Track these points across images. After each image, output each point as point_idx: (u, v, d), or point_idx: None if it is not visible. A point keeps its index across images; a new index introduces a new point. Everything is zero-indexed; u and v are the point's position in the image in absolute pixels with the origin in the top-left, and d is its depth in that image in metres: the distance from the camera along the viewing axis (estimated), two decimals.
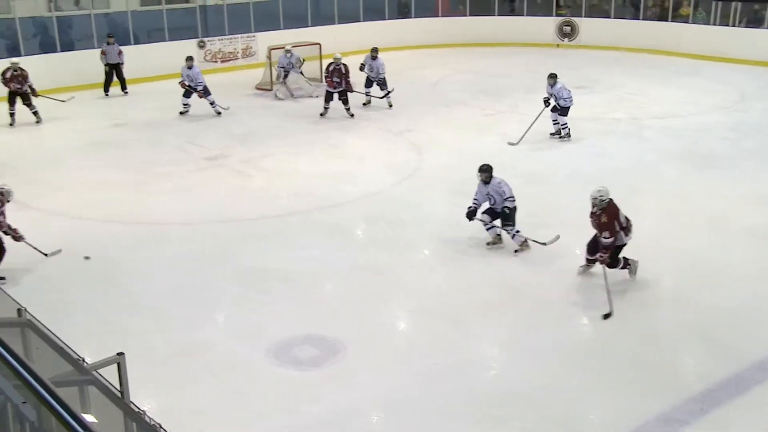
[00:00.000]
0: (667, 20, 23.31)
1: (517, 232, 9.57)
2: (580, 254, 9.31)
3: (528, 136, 14.26)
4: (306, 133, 15.35)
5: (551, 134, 14.46)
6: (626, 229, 8.51)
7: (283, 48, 18.26)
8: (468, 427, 6.44)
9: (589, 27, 24.05)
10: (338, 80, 16.08)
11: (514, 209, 9.56)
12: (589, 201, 8.58)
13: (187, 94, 16.50)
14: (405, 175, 12.68)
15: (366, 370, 7.22)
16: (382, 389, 6.93)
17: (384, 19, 24.51)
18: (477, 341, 7.78)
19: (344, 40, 20.94)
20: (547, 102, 14.21)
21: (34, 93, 15.91)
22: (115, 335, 7.58)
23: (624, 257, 8.66)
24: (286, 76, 18.18)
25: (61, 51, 19.12)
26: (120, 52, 18.40)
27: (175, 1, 21.84)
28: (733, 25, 22.26)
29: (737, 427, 6.48)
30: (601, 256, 8.46)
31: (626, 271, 8.73)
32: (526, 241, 9.60)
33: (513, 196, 9.53)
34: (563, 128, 14.36)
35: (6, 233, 9.11)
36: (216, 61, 21.33)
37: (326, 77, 16.38)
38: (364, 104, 17.20)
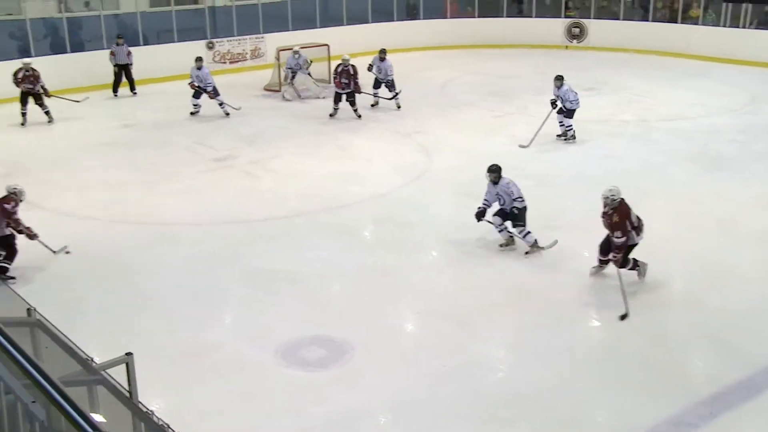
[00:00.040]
0: (676, 22, 23.24)
1: (528, 233, 9.55)
2: (589, 256, 9.30)
3: (536, 138, 14.24)
4: (314, 135, 15.37)
5: (558, 136, 14.44)
6: (638, 228, 8.49)
7: (292, 49, 18.28)
8: (475, 428, 6.43)
9: (597, 28, 24.00)
10: (346, 81, 16.09)
11: (523, 209, 9.55)
12: (597, 203, 8.56)
13: (196, 95, 16.55)
14: (413, 177, 12.67)
15: (373, 371, 7.22)
16: (389, 390, 6.93)
17: (392, 20, 24.52)
18: (484, 343, 7.77)
19: (352, 42, 20.94)
20: (554, 104, 14.19)
21: (47, 93, 16.01)
22: (124, 335, 7.60)
23: (634, 258, 8.64)
24: (293, 77, 18.21)
25: (71, 52, 19.18)
26: (129, 53, 18.46)
27: (184, 2, 21.89)
28: (744, 27, 22.17)
29: (748, 431, 6.46)
30: (614, 256, 8.44)
31: (635, 272, 8.70)
32: (536, 242, 9.59)
33: (522, 197, 9.52)
34: (568, 130, 14.34)
35: (20, 232, 9.19)
36: (225, 62, 21.38)
37: (334, 78, 16.42)
38: (372, 105, 17.20)
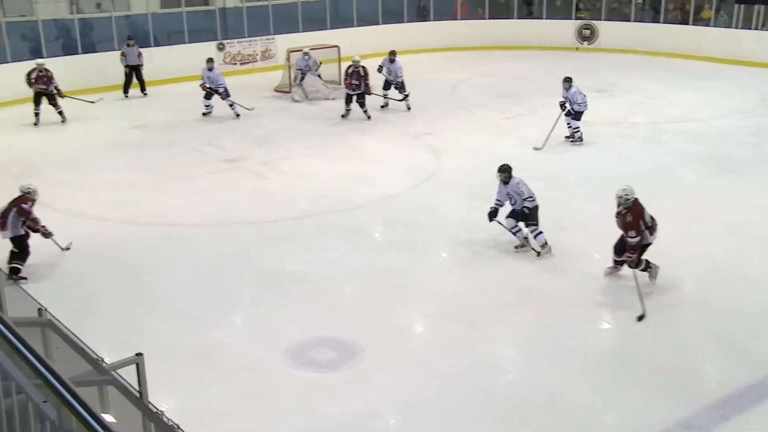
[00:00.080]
0: (688, 23, 23.14)
1: (540, 233, 9.54)
2: (599, 258, 9.29)
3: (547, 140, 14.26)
4: (324, 136, 15.38)
5: (566, 137, 14.42)
6: (651, 228, 8.47)
7: (302, 50, 18.30)
8: (485, 429, 6.42)
9: (608, 30, 23.95)
10: (356, 82, 16.11)
11: (535, 208, 9.54)
12: (608, 205, 8.54)
13: (208, 96, 16.59)
14: (423, 178, 12.67)
15: (384, 372, 7.22)
16: (399, 392, 6.92)
17: (403, 22, 24.51)
18: (494, 344, 7.76)
19: (363, 43, 20.94)
20: (563, 106, 14.16)
21: (60, 94, 16.10)
22: (134, 335, 7.61)
23: (647, 260, 8.61)
24: (302, 79, 18.24)
25: (83, 53, 19.27)
26: (140, 54, 18.53)
27: (195, 4, 21.96)
28: (756, 29, 22.05)
29: None
30: (629, 257, 8.42)
31: (646, 273, 8.67)
32: (546, 243, 9.57)
33: (532, 196, 9.52)
34: (576, 132, 14.31)
35: (36, 231, 9.26)
36: (235, 63, 21.42)
37: (345, 79, 16.44)
38: (382, 107, 17.21)
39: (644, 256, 8.58)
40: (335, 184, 12.45)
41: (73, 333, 4.52)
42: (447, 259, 9.83)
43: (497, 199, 9.69)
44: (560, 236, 9.80)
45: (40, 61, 16.35)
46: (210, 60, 16.66)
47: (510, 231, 9.70)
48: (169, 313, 8.37)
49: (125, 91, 18.69)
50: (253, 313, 8.48)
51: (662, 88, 19.08)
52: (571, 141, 14.36)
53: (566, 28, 24.45)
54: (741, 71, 20.83)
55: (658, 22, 23.69)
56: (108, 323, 8.04)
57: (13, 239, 9.10)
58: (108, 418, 3.37)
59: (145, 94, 18.87)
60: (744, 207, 11.19)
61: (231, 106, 16.57)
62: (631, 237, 8.34)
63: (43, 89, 15.96)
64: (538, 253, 9.57)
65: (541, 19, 25.00)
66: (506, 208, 9.74)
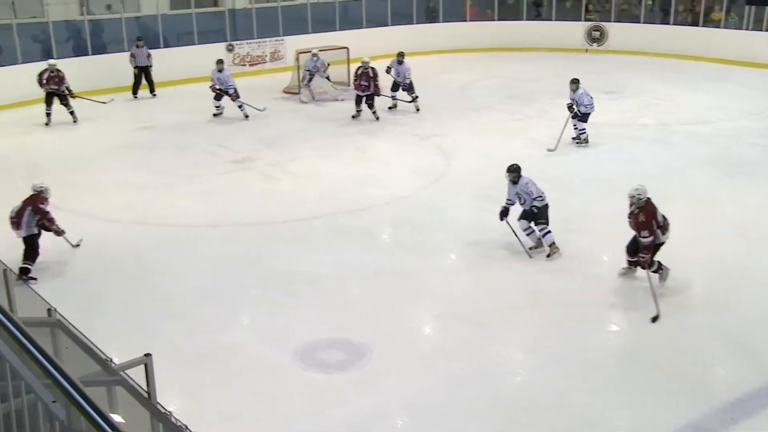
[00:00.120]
0: (698, 25, 23.06)
1: (549, 232, 9.53)
2: (608, 260, 9.28)
3: (555, 141, 14.22)
4: (333, 137, 15.39)
5: (572, 138, 14.40)
6: (663, 227, 8.45)
7: (310, 52, 18.32)
8: (493, 431, 6.42)
9: (618, 32, 23.87)
10: (366, 84, 16.13)
11: (544, 207, 9.55)
12: (617, 206, 8.53)
13: (218, 97, 16.63)
14: (432, 180, 12.66)
15: (392, 374, 7.21)
16: (407, 393, 6.92)
17: (412, 23, 24.49)
18: (503, 346, 7.74)
19: (372, 45, 20.92)
20: (570, 108, 14.13)
21: (71, 94, 16.17)
22: (143, 336, 7.64)
23: (659, 261, 8.58)
24: (310, 80, 18.26)
25: (93, 54, 19.33)
26: (149, 55, 18.59)
27: (205, 5, 22.01)
28: (767, 30, 21.92)
29: None
30: (642, 257, 8.40)
31: (656, 275, 8.64)
32: (554, 243, 9.56)
33: (541, 195, 9.53)
34: (582, 133, 14.27)
35: (49, 229, 9.33)
36: (244, 65, 21.46)
37: (354, 81, 16.46)
38: (390, 108, 17.21)
39: (656, 257, 8.55)
40: (344, 185, 12.46)
41: (82, 333, 4.53)
42: (456, 260, 9.82)
43: (508, 199, 9.71)
44: (569, 238, 9.78)
45: (52, 61, 16.42)
46: (220, 61, 16.70)
47: (523, 233, 9.68)
48: (178, 313, 8.38)
49: (134, 92, 18.75)
50: (262, 314, 8.49)
51: (672, 90, 19.01)
52: (577, 142, 14.32)
53: (576, 30, 24.39)
54: (752, 73, 20.74)
55: (667, 23, 23.60)
56: (117, 323, 8.06)
57: (25, 238, 9.15)
58: (117, 418, 3.38)
59: (154, 95, 18.92)
60: (754, 209, 11.15)
61: (240, 107, 16.59)
62: (644, 237, 8.32)
63: (55, 89, 16.04)
64: (548, 255, 9.56)
65: (551, 20, 24.93)
66: (517, 209, 9.72)
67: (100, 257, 9.81)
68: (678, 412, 6.57)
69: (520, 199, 9.63)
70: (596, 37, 24.21)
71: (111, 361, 4.31)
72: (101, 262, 9.71)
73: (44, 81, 15.99)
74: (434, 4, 25.26)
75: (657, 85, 19.53)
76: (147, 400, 4.27)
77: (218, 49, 20.42)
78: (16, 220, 9.10)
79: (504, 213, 9.69)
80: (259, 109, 16.86)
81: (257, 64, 21.82)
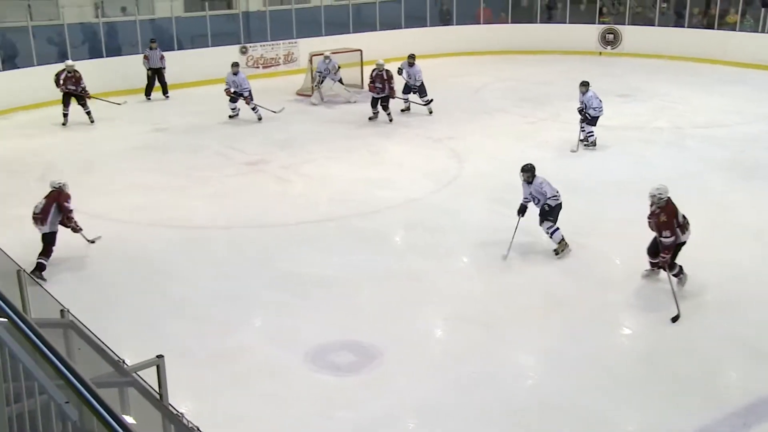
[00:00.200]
0: (713, 28, 22.94)
1: (557, 229, 9.53)
2: (620, 263, 9.25)
3: (568, 144, 14.20)
4: (346, 139, 15.40)
5: (580, 140, 14.37)
6: (683, 226, 8.42)
7: (323, 54, 18.37)
8: None
9: (632, 35, 23.77)
10: (380, 86, 16.16)
11: (557, 206, 9.58)
12: (630, 209, 8.52)
13: (233, 99, 16.68)
14: (444, 182, 12.65)
15: (402, 376, 7.21)
16: (418, 396, 6.91)
17: (425, 26, 24.50)
18: (514, 349, 7.73)
19: (385, 47, 20.96)
20: (581, 112, 14.10)
21: (87, 95, 16.26)
22: (154, 337, 7.68)
23: (680, 266, 8.56)
24: (321, 82, 18.30)
25: (107, 56, 19.44)
26: (162, 57, 18.68)
27: (219, 7, 22.10)
28: None
29: None
30: (663, 257, 8.38)
31: (676, 279, 8.59)
32: (563, 240, 9.56)
33: (556, 195, 9.56)
34: (590, 136, 14.23)
35: (67, 226, 9.44)
36: (258, 67, 21.51)
37: (369, 83, 16.48)
38: (403, 110, 17.21)
39: (678, 261, 8.51)
40: (356, 187, 12.47)
41: (94, 334, 4.56)
42: (467, 263, 9.81)
43: (525, 197, 9.75)
44: (581, 241, 9.76)
45: (69, 62, 16.53)
46: (235, 64, 16.78)
47: (546, 233, 9.69)
48: (190, 315, 8.41)
49: (147, 94, 18.85)
50: (273, 315, 8.51)
51: (687, 93, 18.90)
52: (585, 145, 14.29)
53: (589, 33, 24.31)
54: None
55: (682, 26, 23.50)
56: (129, 325, 8.09)
57: (45, 234, 9.25)
58: (128, 419, 3.39)
59: (167, 96, 19.00)
60: None
61: (254, 109, 16.64)
62: (666, 237, 8.29)
63: (72, 90, 16.16)
64: (556, 251, 9.57)
65: (565, 23, 24.86)
66: (535, 209, 9.74)
67: (113, 258, 9.86)
68: (690, 416, 6.54)
69: (534, 199, 9.65)
70: (610, 40, 24.12)
71: (123, 362, 4.33)
72: (113, 262, 9.75)
73: (61, 81, 16.12)
74: (448, 6, 25.26)
75: (672, 88, 19.42)
76: (159, 401, 4.28)
77: (232, 52, 20.49)
78: (41, 217, 9.20)
79: (522, 210, 9.73)
80: (275, 111, 16.89)
81: (271, 66, 21.87)
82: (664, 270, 8.48)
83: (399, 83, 16.85)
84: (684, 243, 8.49)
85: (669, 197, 8.39)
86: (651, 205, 8.47)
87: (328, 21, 22.51)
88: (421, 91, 16.98)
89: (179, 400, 4.96)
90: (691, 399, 6.80)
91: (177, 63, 19.35)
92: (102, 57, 19.33)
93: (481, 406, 6.73)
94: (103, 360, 4.33)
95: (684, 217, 8.48)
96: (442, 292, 8.94)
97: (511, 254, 9.69)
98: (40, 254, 9.20)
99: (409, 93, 17.12)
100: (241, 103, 16.69)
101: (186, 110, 17.84)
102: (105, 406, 2.69)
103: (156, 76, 18.80)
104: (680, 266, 8.57)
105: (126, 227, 10.88)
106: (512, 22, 25.09)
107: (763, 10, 21.85)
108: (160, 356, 4.42)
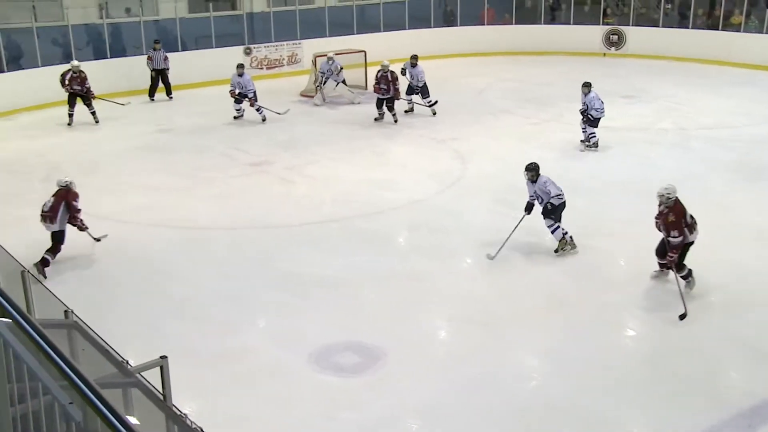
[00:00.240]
0: (717, 29, 22.88)
1: (558, 227, 9.55)
2: (624, 264, 9.24)
3: (572, 145, 14.16)
4: (349, 140, 15.40)
5: (581, 141, 14.36)
6: (691, 226, 8.42)
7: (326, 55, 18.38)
8: None
9: (636, 36, 23.74)
10: (385, 87, 16.17)
11: (560, 205, 9.59)
12: (634, 210, 8.51)
13: (238, 101, 16.70)
14: (448, 183, 12.64)
15: (406, 377, 7.21)
16: (421, 397, 6.91)
17: (429, 27, 24.49)
18: (517, 350, 7.72)
19: (389, 48, 20.92)
20: (583, 113, 14.09)
21: (92, 95, 16.30)
22: (158, 338, 7.70)
23: (690, 269, 8.55)
24: (324, 82, 18.31)
25: (112, 57, 19.46)
26: (166, 58, 18.70)
27: (222, 9, 22.12)
28: None
29: None
30: (670, 257, 8.37)
31: (684, 282, 8.58)
32: (564, 238, 9.58)
33: (560, 194, 9.57)
34: (591, 137, 14.22)
35: (73, 224, 9.48)
36: (262, 68, 21.52)
37: (375, 84, 16.48)
38: (406, 111, 17.21)
39: (686, 263, 8.50)
40: (360, 188, 12.47)
41: (98, 335, 4.56)
42: (471, 264, 9.80)
43: (530, 195, 9.78)
44: (584, 242, 9.75)
45: (75, 62, 16.55)
46: (240, 66, 16.79)
47: (550, 230, 9.70)
48: (194, 316, 8.42)
49: (151, 95, 18.87)
50: (277, 316, 8.51)
51: (693, 95, 18.84)
52: (587, 146, 14.27)
53: (594, 34, 24.28)
54: None
55: (686, 27, 23.45)
56: (132, 325, 8.10)
57: (55, 233, 9.28)
58: (132, 420, 3.39)
59: (171, 97, 19.02)
60: None
61: (258, 110, 16.65)
62: (674, 237, 8.30)
63: (78, 90, 16.19)
64: (556, 250, 9.62)
65: (569, 24, 24.83)
66: (539, 209, 9.76)
67: (117, 258, 9.88)
68: (694, 418, 6.53)
69: (538, 198, 9.67)
70: (614, 41, 24.09)
71: (127, 363, 4.33)
72: (117, 263, 9.77)
73: (66, 81, 16.15)
74: (452, 7, 25.25)
75: (678, 89, 19.36)
76: (162, 402, 4.29)
77: (236, 53, 20.52)
78: (50, 215, 9.24)
79: (529, 208, 9.77)
80: (280, 113, 16.89)
81: (275, 67, 21.89)
82: (672, 270, 8.47)
83: (404, 84, 16.85)
84: (692, 243, 8.49)
85: (677, 197, 8.38)
86: (659, 205, 8.46)
87: (332, 22, 22.52)
88: (424, 91, 16.98)
89: (182, 401, 4.97)
90: (694, 400, 6.79)
91: (181, 64, 19.37)
92: (106, 58, 19.36)
93: (484, 407, 6.73)
94: (106, 361, 4.34)
95: (692, 217, 8.48)
96: (446, 292, 8.93)
97: (515, 256, 9.69)
98: (48, 250, 9.26)
99: (413, 93, 17.12)
100: (245, 104, 16.70)
101: (190, 111, 17.86)
102: (109, 406, 2.69)
103: (160, 77, 18.82)
104: (690, 270, 8.56)
105: (130, 228, 10.89)
106: (516, 23, 25.06)
107: (767, 10, 21.79)
108: (163, 357, 4.43)
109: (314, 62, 19.03)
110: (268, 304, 8.73)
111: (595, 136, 14.20)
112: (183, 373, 5.79)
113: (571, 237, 9.68)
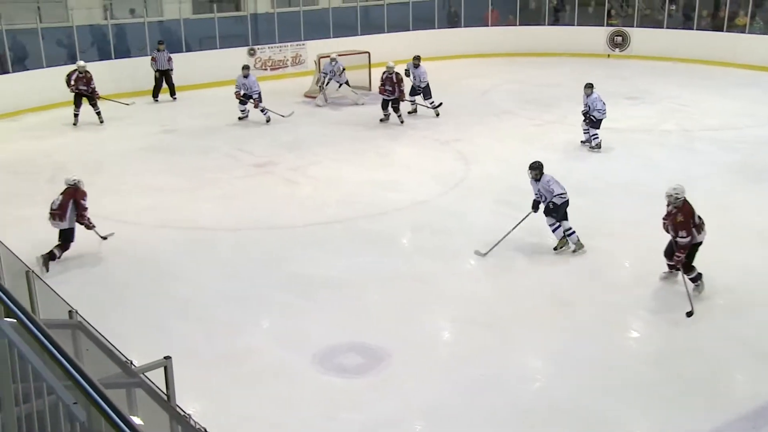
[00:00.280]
0: (722, 30, 22.83)
1: (559, 226, 9.56)
2: (629, 266, 9.22)
3: (575, 146, 14.15)
4: (353, 141, 15.41)
5: (582, 142, 14.35)
6: (699, 227, 8.41)
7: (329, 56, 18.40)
8: None
9: (641, 37, 23.70)
10: (390, 88, 16.19)
11: (563, 204, 9.60)
12: (637, 212, 8.50)
13: (242, 102, 16.71)
14: (452, 185, 12.64)
15: (410, 379, 7.21)
16: (425, 398, 6.91)
17: (433, 28, 24.50)
18: (521, 351, 7.72)
19: (393, 49, 20.93)
20: (586, 114, 14.08)
21: (97, 95, 16.35)
22: (162, 338, 7.70)
23: (700, 273, 8.53)
24: (327, 83, 18.33)
25: (116, 58, 19.50)
26: (169, 59, 18.73)
27: (227, 10, 22.16)
28: None
29: None
30: (678, 257, 8.36)
31: (692, 284, 8.56)
32: (564, 237, 9.60)
33: (563, 193, 9.57)
34: (594, 138, 14.21)
35: (80, 222, 9.54)
36: (266, 69, 21.55)
37: (380, 85, 16.50)
38: (410, 112, 17.22)
39: (695, 264, 8.49)
40: (364, 189, 12.48)
41: (102, 335, 4.57)
42: (474, 265, 9.79)
43: (535, 194, 9.80)
44: (588, 243, 9.74)
45: (81, 63, 16.59)
46: (246, 67, 16.83)
47: (551, 228, 9.72)
48: (198, 316, 8.43)
49: (155, 96, 18.91)
50: (281, 317, 8.52)
51: (697, 96, 18.80)
52: (589, 147, 14.26)
53: (598, 35, 24.25)
54: None
55: (691, 28, 23.41)
56: (136, 325, 8.12)
57: (63, 230, 9.32)
58: (136, 420, 3.40)
59: (175, 98, 19.04)
60: None
61: (263, 111, 16.67)
62: (682, 237, 8.29)
63: (83, 90, 16.22)
64: (555, 248, 9.66)
65: (573, 25, 24.81)
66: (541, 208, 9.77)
67: (121, 259, 9.89)
68: (698, 419, 6.52)
69: (541, 197, 9.70)
70: (618, 43, 24.06)
71: (131, 363, 4.34)
72: (121, 263, 9.79)
73: (72, 82, 16.19)
74: (456, 9, 25.26)
75: (682, 91, 19.31)
76: (166, 402, 4.30)
77: (240, 54, 20.55)
78: (59, 213, 9.30)
79: (535, 205, 9.79)
80: (284, 115, 16.91)
81: (278, 68, 21.91)
82: (679, 270, 8.46)
83: (408, 85, 16.85)
84: (700, 243, 8.49)
85: (685, 197, 8.38)
86: (668, 205, 8.46)
87: (335, 23, 22.54)
88: (426, 92, 16.98)
89: (186, 401, 4.98)
90: (698, 401, 6.79)
91: (185, 65, 19.41)
92: (110, 59, 19.39)
93: (487, 408, 6.73)
94: (111, 361, 4.35)
95: (700, 217, 8.48)
96: (449, 293, 8.94)
97: (519, 257, 9.69)
98: (57, 246, 9.32)
99: (415, 95, 17.13)
100: (249, 105, 16.72)
101: (194, 112, 17.89)
102: (113, 407, 2.70)
103: (164, 77, 18.85)
104: (700, 273, 8.54)
105: (134, 228, 10.90)
106: (520, 25, 25.06)
107: None
108: (167, 357, 4.44)
109: (318, 63, 19.04)
110: (272, 305, 8.74)
111: (597, 138, 14.19)
112: (187, 373, 5.81)
113: (578, 237, 9.68)
